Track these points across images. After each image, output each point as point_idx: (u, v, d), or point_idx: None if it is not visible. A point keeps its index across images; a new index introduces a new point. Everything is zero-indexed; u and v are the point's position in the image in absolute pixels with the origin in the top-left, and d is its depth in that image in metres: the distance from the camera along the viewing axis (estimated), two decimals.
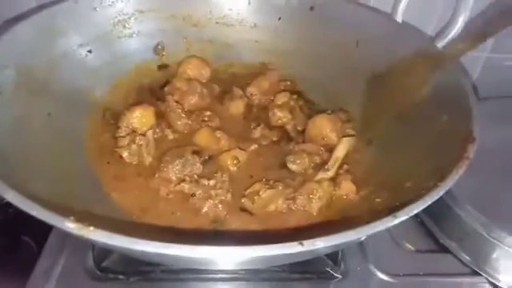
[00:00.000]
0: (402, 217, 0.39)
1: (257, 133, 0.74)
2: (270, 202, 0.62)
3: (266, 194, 0.62)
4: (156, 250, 0.34)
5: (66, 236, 0.62)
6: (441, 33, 0.67)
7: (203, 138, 0.70)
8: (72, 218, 0.35)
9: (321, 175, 0.66)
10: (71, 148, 0.63)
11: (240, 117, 0.77)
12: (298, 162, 0.67)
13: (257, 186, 0.64)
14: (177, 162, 0.64)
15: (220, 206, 0.61)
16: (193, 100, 0.75)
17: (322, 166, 0.67)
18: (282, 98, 0.77)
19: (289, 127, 0.74)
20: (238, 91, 0.79)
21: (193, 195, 0.62)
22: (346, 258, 0.64)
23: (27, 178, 0.45)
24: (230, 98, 0.78)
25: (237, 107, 0.77)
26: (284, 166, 0.68)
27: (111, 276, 0.60)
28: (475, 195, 0.64)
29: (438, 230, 0.68)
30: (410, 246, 0.69)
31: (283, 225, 0.60)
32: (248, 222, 0.61)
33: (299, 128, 0.75)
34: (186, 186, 0.63)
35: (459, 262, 0.65)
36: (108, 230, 0.34)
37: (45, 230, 0.64)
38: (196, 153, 0.66)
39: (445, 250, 0.67)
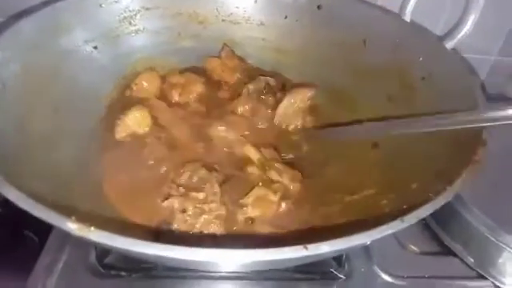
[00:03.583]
0: (410, 221, 0.38)
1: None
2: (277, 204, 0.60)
3: (277, 197, 0.59)
4: (158, 253, 0.33)
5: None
6: (449, 33, 0.66)
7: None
8: (73, 217, 0.34)
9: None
10: (75, 147, 0.62)
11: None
12: None
13: (259, 191, 0.60)
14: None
15: (217, 221, 0.56)
16: (200, 88, 0.75)
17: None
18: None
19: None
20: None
21: (183, 211, 0.56)
22: (350, 259, 0.63)
23: (29, 175, 0.45)
24: None
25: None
26: None
27: (113, 273, 0.59)
28: (482, 198, 0.64)
29: (443, 232, 0.68)
30: (414, 248, 0.68)
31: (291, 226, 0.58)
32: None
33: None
34: (175, 202, 0.57)
35: (464, 264, 0.65)
36: (110, 231, 0.33)
37: (47, 225, 0.62)
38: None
39: (450, 252, 0.66)
